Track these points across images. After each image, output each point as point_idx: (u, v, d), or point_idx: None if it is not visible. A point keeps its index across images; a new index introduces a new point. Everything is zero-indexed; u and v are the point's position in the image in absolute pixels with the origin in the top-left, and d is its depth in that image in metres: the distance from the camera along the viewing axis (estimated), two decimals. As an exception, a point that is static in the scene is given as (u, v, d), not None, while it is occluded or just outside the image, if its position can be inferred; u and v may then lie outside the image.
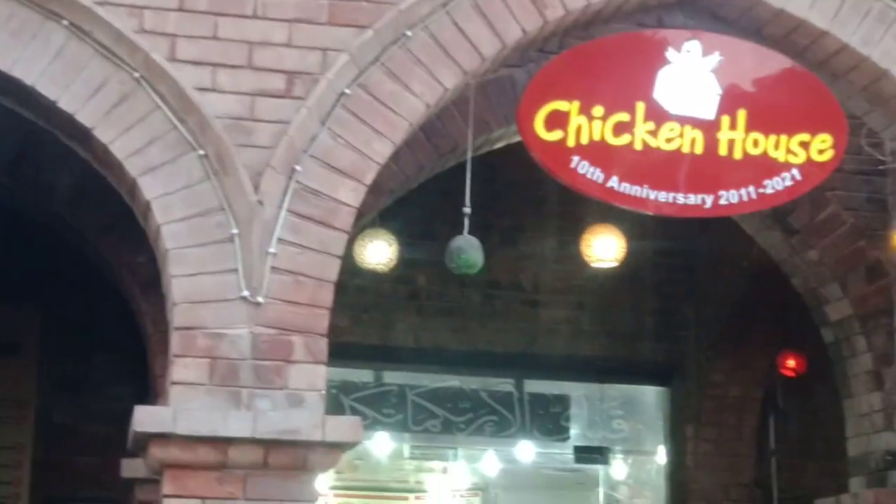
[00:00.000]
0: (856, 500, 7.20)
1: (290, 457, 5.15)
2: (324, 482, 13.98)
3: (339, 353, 5.62)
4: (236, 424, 5.09)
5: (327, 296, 5.37)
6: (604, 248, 8.43)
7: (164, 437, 5.06)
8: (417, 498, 15.63)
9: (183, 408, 5.09)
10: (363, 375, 9.82)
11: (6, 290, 8.83)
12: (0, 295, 8.87)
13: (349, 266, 7.44)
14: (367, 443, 11.19)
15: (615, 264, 8.47)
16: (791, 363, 9.21)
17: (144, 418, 5.09)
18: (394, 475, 15.30)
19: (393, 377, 9.96)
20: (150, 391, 7.32)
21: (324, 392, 5.26)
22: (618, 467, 10.67)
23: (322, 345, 5.32)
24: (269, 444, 5.12)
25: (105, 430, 8.75)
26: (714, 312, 9.65)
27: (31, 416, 9.22)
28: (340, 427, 5.19)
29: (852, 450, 7.46)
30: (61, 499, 9.26)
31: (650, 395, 10.17)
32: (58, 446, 9.19)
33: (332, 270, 5.40)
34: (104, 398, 8.94)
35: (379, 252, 8.18)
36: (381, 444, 11.10)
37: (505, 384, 10.03)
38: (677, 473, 9.65)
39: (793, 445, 9.41)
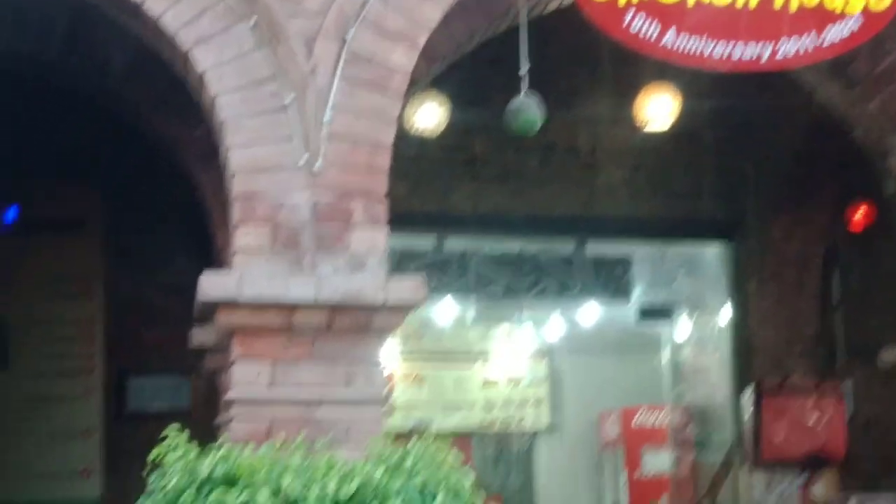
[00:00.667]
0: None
1: (355, 319, 5.22)
2: (390, 350, 14.18)
3: (399, 221, 5.65)
4: (299, 289, 5.15)
5: (384, 160, 5.39)
6: (660, 109, 8.37)
7: (230, 304, 5.14)
8: (483, 364, 15.82)
9: (247, 275, 5.16)
10: (424, 244, 9.86)
11: (68, 167, 8.94)
12: (63, 173, 8.99)
13: (405, 135, 7.46)
14: (432, 310, 11.30)
15: (672, 124, 8.40)
16: (853, 217, 9.14)
17: (210, 286, 5.16)
18: (458, 342, 15.48)
19: (454, 244, 9.99)
20: (213, 264, 7.42)
21: (385, 255, 5.31)
22: (681, 327, 10.70)
23: (381, 208, 5.36)
24: (332, 308, 5.18)
25: (172, 302, 8.88)
26: (774, 168, 9.57)
27: (100, 290, 9.38)
28: (403, 288, 5.24)
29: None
30: (133, 371, 9.47)
31: (712, 254, 10.15)
32: (127, 320, 9.36)
33: (388, 135, 5.42)
34: (169, 271, 9.07)
35: (432, 116, 8.18)
36: (445, 311, 11.17)
37: (566, 247, 10.03)
38: (740, 330, 9.67)
39: (855, 299, 9.37)
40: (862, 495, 7.22)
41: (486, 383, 15.82)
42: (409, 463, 4.66)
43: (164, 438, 4.68)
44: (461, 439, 13.56)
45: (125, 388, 9.49)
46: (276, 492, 4.38)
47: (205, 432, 4.84)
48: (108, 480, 9.17)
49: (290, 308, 5.17)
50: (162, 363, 9.34)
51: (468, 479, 4.70)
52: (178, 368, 9.21)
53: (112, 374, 9.44)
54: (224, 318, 5.21)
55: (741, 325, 9.68)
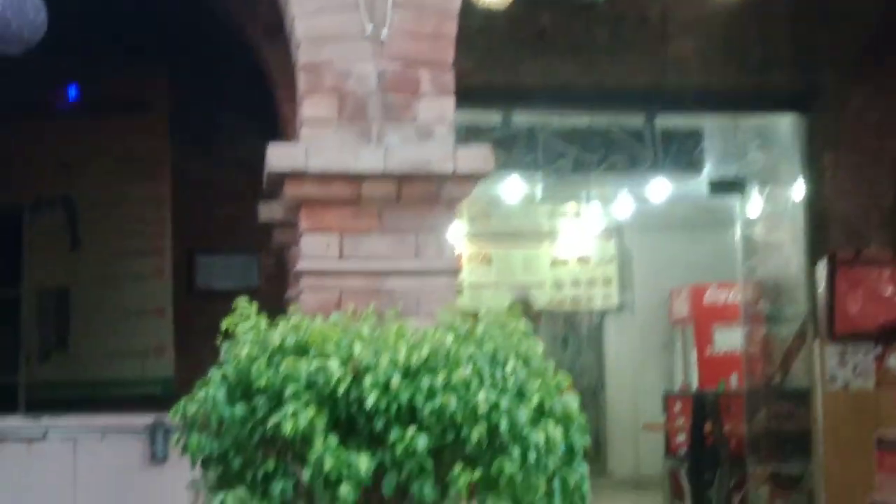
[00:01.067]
0: None
1: (423, 189, 5.17)
2: (457, 231, 14.15)
3: (467, 95, 5.55)
4: (367, 160, 5.10)
5: (451, 28, 5.29)
6: (733, -25, 8.13)
7: (297, 176, 5.10)
8: (551, 243, 15.78)
9: (314, 146, 5.11)
10: (492, 118, 9.74)
11: (133, 49, 8.91)
12: (127, 55, 8.96)
13: (471, 7, 7.32)
14: (499, 189, 11.23)
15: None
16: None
17: (278, 157, 5.12)
18: (527, 221, 15.44)
19: (522, 118, 9.86)
20: (280, 139, 7.38)
21: (452, 124, 5.23)
22: (753, 202, 10.55)
23: (448, 77, 5.27)
24: (400, 178, 5.13)
25: (239, 181, 8.90)
26: (851, 36, 9.31)
27: (168, 170, 9.42)
28: (471, 157, 5.16)
29: None
30: (201, 250, 9.53)
31: (785, 125, 9.94)
32: (195, 199, 9.40)
33: (454, 2, 5.31)
34: (236, 150, 9.07)
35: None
36: (513, 189, 11.09)
37: (636, 120, 9.87)
38: (815, 203, 9.50)
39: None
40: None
41: (555, 262, 15.81)
42: (479, 331, 4.64)
43: (234, 310, 4.69)
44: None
45: (194, 266, 9.55)
46: (346, 360, 4.38)
47: (273, 309, 4.84)
48: (180, 358, 9.28)
49: (358, 179, 5.12)
50: (230, 242, 9.39)
51: (538, 347, 4.67)
52: (246, 247, 9.26)
53: (181, 254, 9.51)
54: (292, 191, 5.17)
55: (816, 198, 9.51)
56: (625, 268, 15.76)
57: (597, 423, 16.05)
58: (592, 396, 15.85)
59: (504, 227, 15.43)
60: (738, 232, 10.50)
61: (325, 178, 5.11)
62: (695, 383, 14.19)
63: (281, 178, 5.18)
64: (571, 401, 4.63)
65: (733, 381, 12.75)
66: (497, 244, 15.73)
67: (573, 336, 16.24)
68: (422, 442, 4.24)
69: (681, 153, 9.97)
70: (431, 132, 5.21)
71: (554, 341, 15.65)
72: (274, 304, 5.25)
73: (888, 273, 8.52)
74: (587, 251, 15.78)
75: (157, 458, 6.61)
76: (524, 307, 11.12)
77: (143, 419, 6.67)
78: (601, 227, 15.41)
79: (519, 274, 15.81)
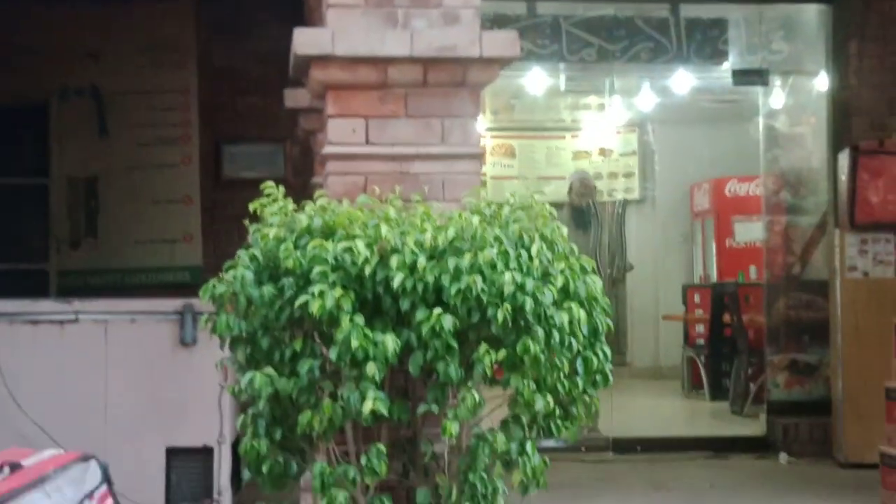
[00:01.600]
0: None
1: (449, 73, 5.19)
2: (481, 124, 14.15)
3: (491, -17, 5.55)
4: (394, 44, 5.12)
5: (477, -89, 5.27)
6: None
7: (324, 59, 5.13)
8: (574, 136, 15.78)
9: (340, 30, 5.13)
10: (516, 8, 9.70)
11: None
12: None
13: None
14: (523, 80, 11.22)
15: None
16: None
17: (304, 41, 5.14)
18: (550, 114, 15.42)
19: (546, 7, 9.82)
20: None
21: (478, 8, 5.25)
22: (777, 95, 10.51)
23: (474, -38, 5.27)
24: (427, 62, 5.16)
25: (265, 70, 8.92)
26: (878, -76, 9.21)
27: (193, 59, 9.43)
28: (497, 42, 5.18)
29: None
30: (228, 139, 9.58)
31: (811, 14, 9.88)
32: (221, 89, 9.43)
33: None
34: (262, 39, 9.07)
35: None
36: (537, 80, 11.07)
37: (660, 9, 9.82)
38: (840, 93, 9.48)
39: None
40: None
41: (577, 155, 15.81)
42: (505, 213, 4.71)
43: (261, 194, 4.77)
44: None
45: (221, 156, 9.62)
46: (373, 241, 4.46)
47: (298, 198, 4.91)
48: (207, 246, 9.38)
49: (384, 63, 5.15)
50: (257, 131, 9.43)
51: (563, 230, 4.74)
52: (272, 136, 9.30)
53: (208, 143, 9.56)
54: (318, 75, 5.20)
55: (840, 88, 9.48)
56: (647, 160, 15.76)
57: (617, 314, 16.19)
58: (612, 286, 15.94)
59: (527, 119, 15.42)
60: (760, 124, 10.47)
61: (351, 62, 5.13)
62: (714, 275, 14.28)
63: (307, 63, 5.21)
64: (595, 283, 4.71)
65: (752, 272, 12.83)
66: (520, 137, 15.74)
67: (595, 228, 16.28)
68: (447, 322, 4.33)
69: (705, 43, 9.91)
70: (457, 16, 5.22)
71: (576, 233, 15.70)
72: (299, 193, 5.31)
73: (909, 163, 8.54)
74: (610, 144, 15.77)
75: (186, 341, 6.73)
76: (583, 188, 11.16)
77: (173, 303, 6.78)
78: (624, 120, 15.39)
79: (542, 167, 15.83)
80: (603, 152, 15.84)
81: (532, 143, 15.83)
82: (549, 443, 8.81)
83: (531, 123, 15.54)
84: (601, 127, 15.48)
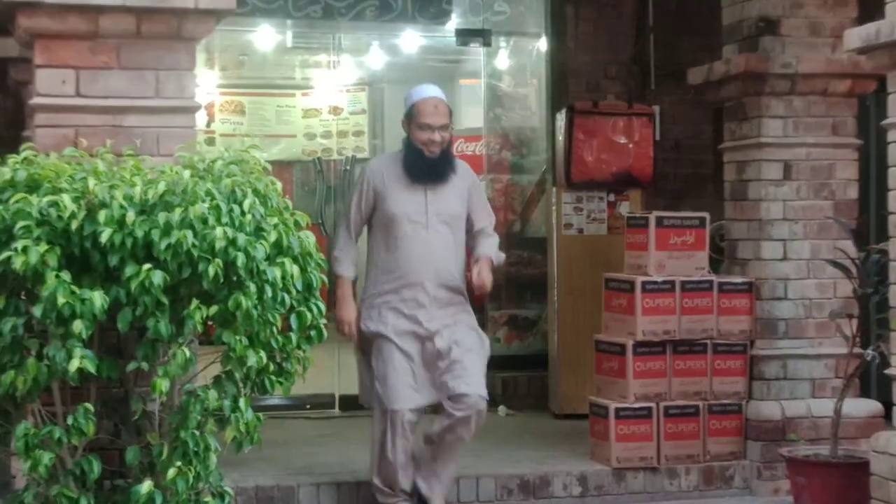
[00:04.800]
0: (728, 65, 7.38)
1: (164, 24, 5.08)
2: (208, 81, 13.94)
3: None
4: (106, -8, 4.98)
5: None
6: None
7: (31, 6, 4.95)
8: (304, 94, 15.70)
9: (49, -25, 4.95)
10: (240, -39, 9.54)
11: None
12: None
13: None
14: (251, 37, 11.11)
15: None
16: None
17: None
18: (280, 71, 15.28)
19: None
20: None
21: (193, -41, 5.14)
22: (500, 56, 10.71)
23: (189, -89, 5.15)
24: (140, 12, 5.04)
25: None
26: None
27: None
28: (213, -7, 5.09)
29: (727, 18, 7.57)
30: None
31: (531, -22, 10.08)
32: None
33: None
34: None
35: None
36: (265, 36, 11.00)
37: (385, -33, 9.85)
38: (558, 54, 9.70)
39: (669, 22, 9.45)
40: (663, 212, 7.47)
41: (308, 113, 15.74)
42: (218, 168, 4.66)
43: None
44: (282, 169, 13.57)
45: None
46: (81, 195, 4.34)
47: (12, 152, 4.73)
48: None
49: (96, 11, 5.00)
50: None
51: (277, 185, 4.72)
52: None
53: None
54: (25, 22, 5.02)
55: (558, 50, 9.70)
56: (375, 119, 15.83)
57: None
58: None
59: (257, 77, 15.24)
60: (484, 83, 10.65)
61: (60, 9, 4.97)
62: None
63: (13, 9, 5.01)
64: (309, 238, 4.71)
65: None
66: (250, 94, 15.56)
67: (324, 187, 16.27)
68: (157, 278, 4.27)
69: (429, 2, 10.00)
70: (172, -33, 5.11)
71: (304, 192, 15.65)
72: (13, 147, 5.10)
73: (622, 124, 8.81)
74: (339, 102, 15.77)
75: None
76: None
77: None
78: (354, 79, 15.41)
79: (271, 125, 15.71)
80: (333, 111, 15.82)
81: (262, 101, 15.66)
82: (274, 400, 8.86)
83: (261, 81, 15.36)
84: (331, 85, 15.45)
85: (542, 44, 9.99)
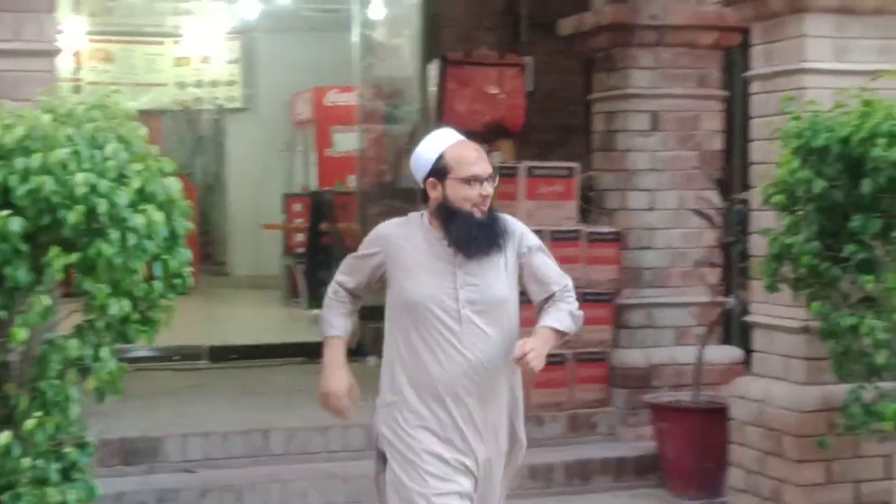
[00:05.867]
0: (597, 16, 7.44)
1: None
2: (76, 27, 13.64)
3: None
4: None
5: None
6: None
7: None
8: (175, 42, 15.46)
9: None
10: None
11: None
12: None
13: None
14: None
15: None
16: None
17: None
18: (151, 18, 15.04)
19: None
20: None
21: None
22: (374, 6, 10.67)
23: None
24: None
25: None
26: None
27: None
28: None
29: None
30: None
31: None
32: None
33: None
34: None
35: None
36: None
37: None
38: (431, 4, 9.69)
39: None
40: (533, 162, 7.53)
41: (179, 62, 15.52)
42: (79, 112, 4.55)
43: None
44: (151, 117, 13.35)
45: None
46: (-65, 139, 4.22)
47: None
48: None
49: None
50: None
51: (140, 130, 4.63)
52: None
53: None
54: None
55: (431, 1, 9.70)
56: (249, 69, 15.67)
57: (214, 222, 16.14)
58: (209, 194, 15.86)
59: (126, 23, 14.98)
60: (358, 34, 10.60)
61: None
62: (314, 184, 14.42)
63: None
64: (174, 185, 4.62)
65: (353, 182, 13.04)
66: (119, 41, 15.27)
67: (195, 137, 16.09)
68: (15, 225, 4.16)
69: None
70: None
71: (176, 142, 15.46)
72: None
73: (494, 74, 8.84)
74: (212, 51, 15.57)
75: None
76: None
77: None
78: (227, 28, 15.22)
79: (141, 73, 15.45)
80: (205, 60, 15.62)
81: (131, 49, 15.40)
82: (142, 352, 8.75)
83: (130, 28, 15.11)
84: (203, 34, 15.23)
85: (417, -5, 9.97)
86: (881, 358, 5.00)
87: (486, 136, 8.93)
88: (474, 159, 4.38)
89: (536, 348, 4.26)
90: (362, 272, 4.59)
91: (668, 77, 7.41)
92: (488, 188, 4.35)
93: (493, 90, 8.88)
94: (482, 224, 4.36)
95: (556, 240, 7.26)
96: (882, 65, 5.61)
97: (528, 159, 7.87)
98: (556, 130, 9.63)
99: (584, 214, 7.75)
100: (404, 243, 4.43)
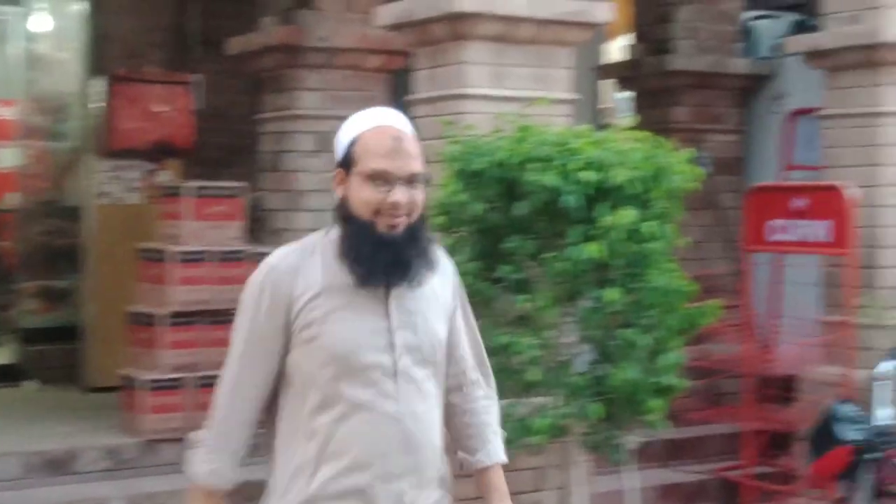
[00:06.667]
0: (265, 36, 7.45)
1: None
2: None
3: None
4: None
5: None
6: None
7: None
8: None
9: None
10: None
11: None
12: None
13: None
14: None
15: None
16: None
17: None
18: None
19: None
20: None
21: None
22: (39, 18, 10.29)
23: None
24: None
25: None
26: None
27: None
28: None
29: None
30: None
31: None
32: None
33: None
34: None
35: None
36: None
37: None
38: (98, 19, 9.43)
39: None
40: (200, 182, 7.42)
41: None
42: None
43: None
44: None
45: None
46: None
47: None
48: None
49: None
50: None
51: None
52: None
53: None
54: None
55: (98, 14, 9.43)
56: None
57: None
58: None
59: None
60: (20, 47, 10.20)
61: None
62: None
63: None
64: None
65: (16, 199, 12.51)
66: None
67: None
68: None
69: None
70: None
71: None
72: None
73: (161, 92, 8.69)
74: None
75: None
76: None
77: None
78: None
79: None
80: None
81: None
82: None
83: None
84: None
85: (83, 7, 9.69)
86: (533, 375, 5.18)
87: (153, 154, 8.79)
88: (387, 150, 2.99)
89: None
90: (260, 349, 3.07)
91: (336, 98, 7.47)
92: (399, 194, 2.97)
93: (161, 108, 8.74)
94: (384, 243, 2.98)
95: (223, 260, 7.19)
96: (537, 92, 5.83)
97: (196, 179, 7.75)
98: (224, 150, 9.56)
99: (253, 234, 7.70)
100: (307, 272, 3.06)
